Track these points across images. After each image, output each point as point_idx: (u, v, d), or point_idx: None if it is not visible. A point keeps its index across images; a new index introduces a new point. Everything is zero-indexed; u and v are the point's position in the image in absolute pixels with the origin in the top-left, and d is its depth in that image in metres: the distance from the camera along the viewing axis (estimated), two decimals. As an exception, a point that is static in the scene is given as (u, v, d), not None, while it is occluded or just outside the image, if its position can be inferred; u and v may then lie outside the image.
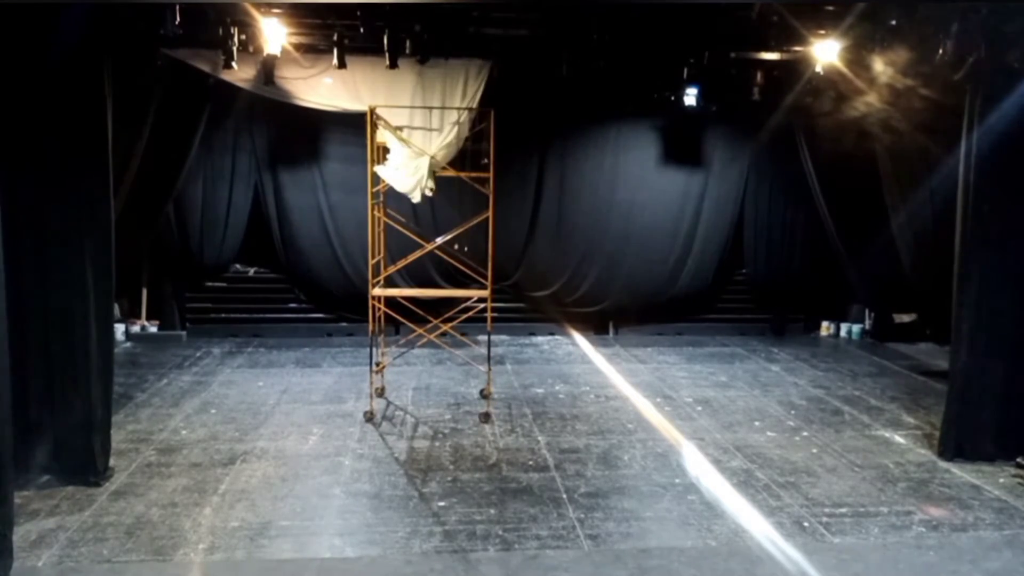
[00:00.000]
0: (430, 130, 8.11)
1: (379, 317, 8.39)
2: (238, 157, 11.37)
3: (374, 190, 7.99)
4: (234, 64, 7.57)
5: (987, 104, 6.72)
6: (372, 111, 7.77)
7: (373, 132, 7.77)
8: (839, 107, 9.13)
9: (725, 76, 8.92)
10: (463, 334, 8.94)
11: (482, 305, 8.24)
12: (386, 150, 8.04)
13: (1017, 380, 6.93)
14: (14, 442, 5.18)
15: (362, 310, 12.08)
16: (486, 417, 7.95)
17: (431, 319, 8.70)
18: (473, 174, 8.25)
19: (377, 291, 8.12)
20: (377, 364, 8.24)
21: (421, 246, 8.49)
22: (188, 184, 10.99)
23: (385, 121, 7.84)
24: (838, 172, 10.97)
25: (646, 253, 12.13)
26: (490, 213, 7.89)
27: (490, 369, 8.19)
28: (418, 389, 9.07)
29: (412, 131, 8.08)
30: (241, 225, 11.58)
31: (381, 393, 8.13)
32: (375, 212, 8.05)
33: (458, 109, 8.23)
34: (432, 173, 7.88)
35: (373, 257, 8.09)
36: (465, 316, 8.44)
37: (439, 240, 8.57)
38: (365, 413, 7.91)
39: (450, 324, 8.40)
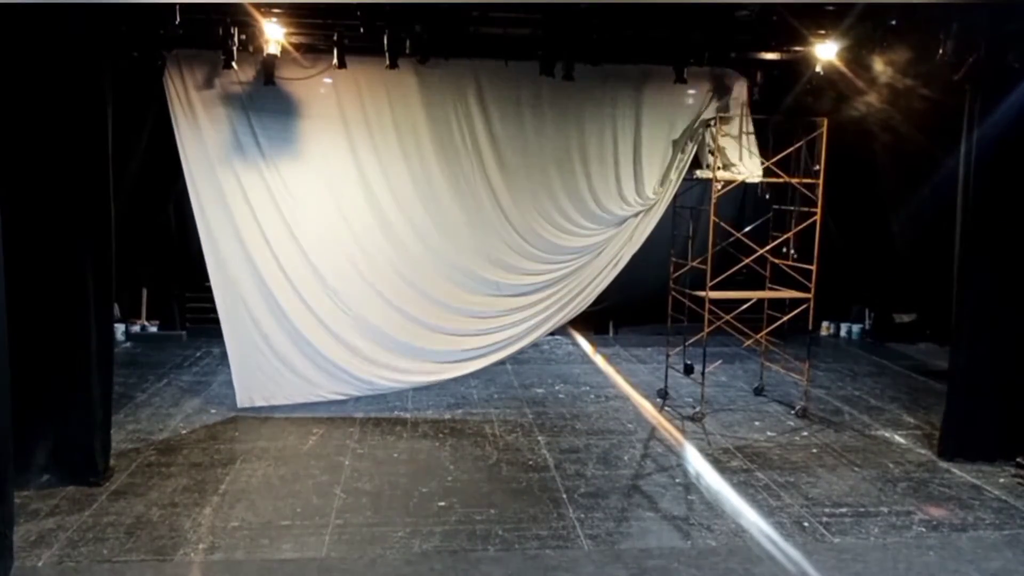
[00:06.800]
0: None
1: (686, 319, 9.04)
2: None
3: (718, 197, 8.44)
4: (234, 64, 7.56)
5: (987, 104, 6.73)
6: (716, 119, 8.26)
7: (716, 138, 8.25)
8: (839, 107, 9.12)
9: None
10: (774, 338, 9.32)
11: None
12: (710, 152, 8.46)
13: (1017, 380, 6.93)
14: (14, 442, 5.18)
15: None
16: (804, 411, 8.32)
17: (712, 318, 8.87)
18: (801, 180, 8.79)
19: (712, 294, 8.37)
20: (689, 369, 8.74)
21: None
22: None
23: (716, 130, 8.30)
24: (838, 172, 10.95)
25: (646, 252, 12.08)
26: (818, 218, 8.39)
27: (808, 367, 8.59)
28: (419, 389, 9.07)
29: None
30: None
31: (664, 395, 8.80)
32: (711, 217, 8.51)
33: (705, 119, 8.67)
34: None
35: (707, 262, 8.40)
36: (786, 317, 8.89)
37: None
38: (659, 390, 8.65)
39: (769, 326, 8.98)
